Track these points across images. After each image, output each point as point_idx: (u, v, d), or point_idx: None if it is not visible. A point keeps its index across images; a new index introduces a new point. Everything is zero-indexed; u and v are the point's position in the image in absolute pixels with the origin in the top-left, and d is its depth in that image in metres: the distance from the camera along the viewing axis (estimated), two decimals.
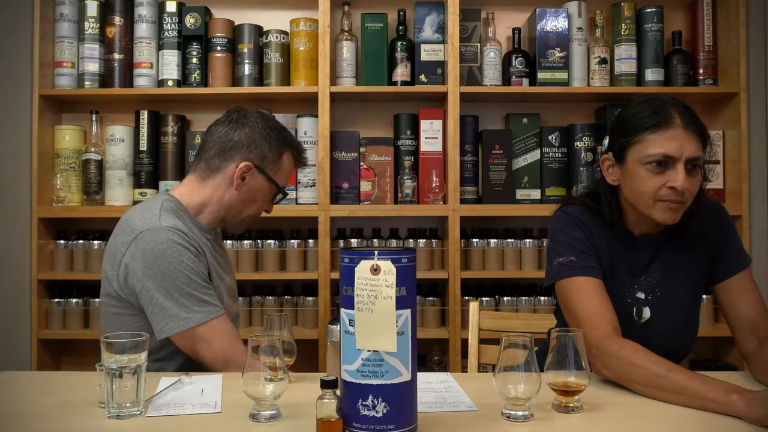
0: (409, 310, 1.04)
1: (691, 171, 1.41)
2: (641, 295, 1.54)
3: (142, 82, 2.64)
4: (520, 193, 2.66)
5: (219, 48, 2.64)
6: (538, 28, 2.63)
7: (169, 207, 1.63)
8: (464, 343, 2.46)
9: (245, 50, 2.64)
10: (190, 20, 2.65)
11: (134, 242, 1.55)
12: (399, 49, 2.64)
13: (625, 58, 2.65)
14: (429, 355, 2.64)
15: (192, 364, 1.59)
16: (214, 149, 1.68)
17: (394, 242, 2.70)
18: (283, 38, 2.66)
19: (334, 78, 2.63)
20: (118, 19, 2.65)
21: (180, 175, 2.65)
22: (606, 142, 1.55)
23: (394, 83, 2.65)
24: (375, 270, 1.02)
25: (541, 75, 2.62)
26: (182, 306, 1.52)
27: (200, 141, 1.70)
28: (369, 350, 1.03)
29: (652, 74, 2.65)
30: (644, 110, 1.45)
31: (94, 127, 2.68)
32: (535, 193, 2.67)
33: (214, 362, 1.55)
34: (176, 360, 1.62)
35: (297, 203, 2.62)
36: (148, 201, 1.71)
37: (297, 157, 1.77)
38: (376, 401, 1.02)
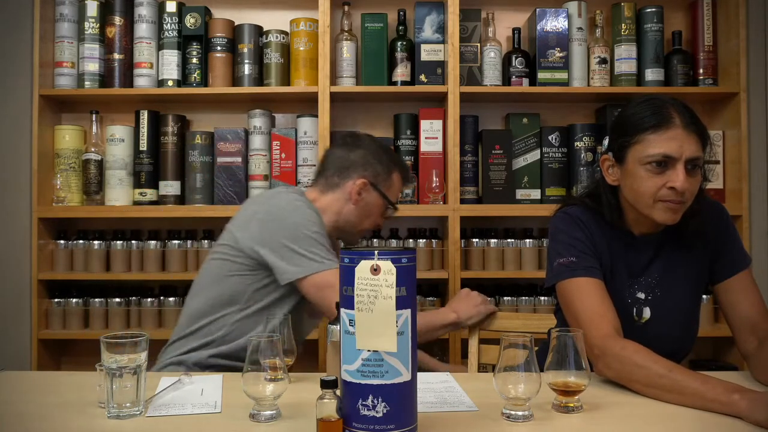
0: (409, 310, 1.04)
1: (691, 171, 1.41)
2: (641, 295, 1.54)
3: (142, 82, 2.64)
4: (520, 193, 2.66)
5: (219, 48, 2.64)
6: (538, 28, 2.63)
7: (299, 191, 1.88)
8: (464, 343, 2.46)
9: (245, 50, 2.64)
10: (190, 20, 2.65)
11: (271, 199, 1.79)
12: (399, 49, 2.64)
13: (625, 58, 2.65)
14: (429, 355, 2.63)
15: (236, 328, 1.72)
16: (332, 168, 1.89)
17: (394, 242, 2.70)
18: (283, 38, 2.66)
19: (334, 78, 2.63)
20: (118, 19, 2.65)
21: (180, 175, 2.65)
22: (606, 142, 1.55)
23: (394, 83, 2.65)
24: (375, 270, 1.02)
25: (541, 75, 2.62)
26: (315, 253, 1.67)
27: (319, 163, 1.98)
28: (369, 350, 1.03)
29: (652, 74, 2.65)
30: (644, 110, 1.45)
31: (94, 127, 2.68)
32: (535, 193, 2.66)
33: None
34: (281, 306, 1.74)
35: None
36: None
37: (404, 175, 1.96)
38: (376, 401, 1.02)
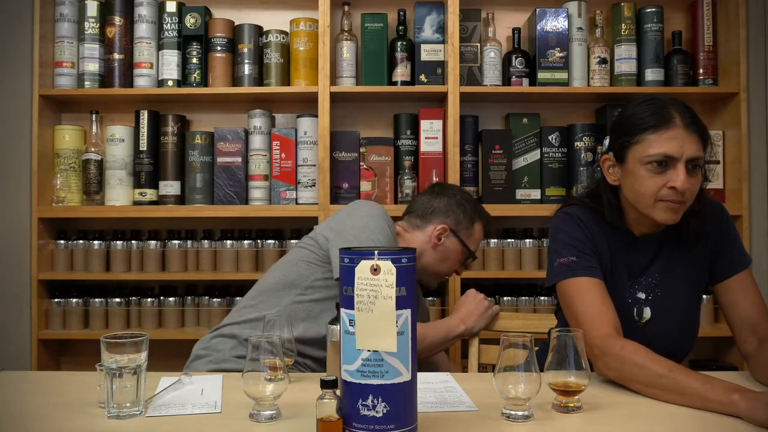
0: (409, 310, 1.04)
1: (691, 171, 1.41)
2: (642, 295, 1.54)
3: (142, 82, 2.64)
4: (520, 193, 2.66)
5: (219, 48, 2.64)
6: (538, 28, 2.63)
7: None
8: (464, 343, 2.46)
9: (245, 50, 2.64)
10: (190, 20, 2.65)
11: (357, 203, 1.89)
12: (399, 49, 2.64)
13: (625, 58, 2.65)
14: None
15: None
16: (417, 212, 1.97)
17: None
18: (283, 38, 2.66)
19: (334, 78, 2.63)
20: (118, 19, 2.65)
21: (180, 175, 2.65)
22: (606, 142, 1.55)
23: (394, 83, 2.65)
24: (375, 270, 1.02)
25: (541, 75, 2.62)
26: None
27: (407, 206, 2.05)
28: (369, 350, 1.03)
29: (652, 74, 2.65)
30: (645, 110, 1.45)
31: (94, 127, 2.68)
32: (535, 193, 2.66)
33: None
34: (327, 301, 1.77)
35: (297, 203, 2.62)
36: None
37: (487, 227, 2.01)
38: (376, 401, 1.02)
